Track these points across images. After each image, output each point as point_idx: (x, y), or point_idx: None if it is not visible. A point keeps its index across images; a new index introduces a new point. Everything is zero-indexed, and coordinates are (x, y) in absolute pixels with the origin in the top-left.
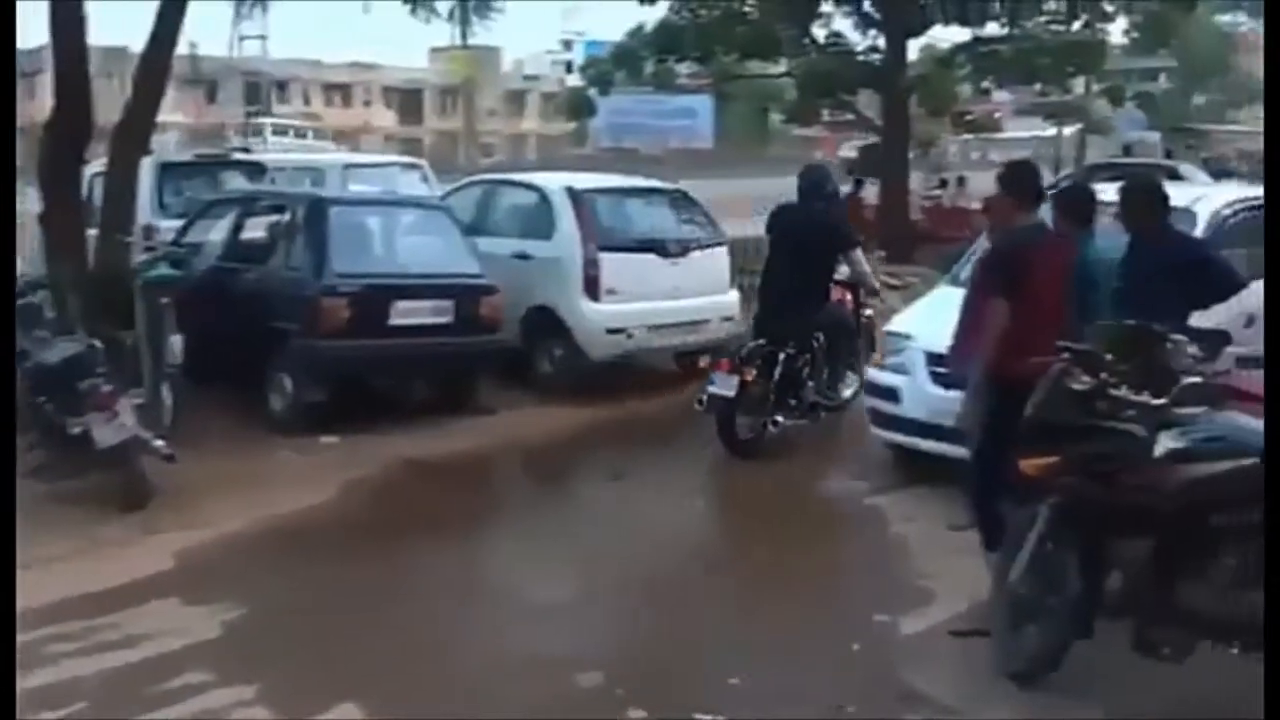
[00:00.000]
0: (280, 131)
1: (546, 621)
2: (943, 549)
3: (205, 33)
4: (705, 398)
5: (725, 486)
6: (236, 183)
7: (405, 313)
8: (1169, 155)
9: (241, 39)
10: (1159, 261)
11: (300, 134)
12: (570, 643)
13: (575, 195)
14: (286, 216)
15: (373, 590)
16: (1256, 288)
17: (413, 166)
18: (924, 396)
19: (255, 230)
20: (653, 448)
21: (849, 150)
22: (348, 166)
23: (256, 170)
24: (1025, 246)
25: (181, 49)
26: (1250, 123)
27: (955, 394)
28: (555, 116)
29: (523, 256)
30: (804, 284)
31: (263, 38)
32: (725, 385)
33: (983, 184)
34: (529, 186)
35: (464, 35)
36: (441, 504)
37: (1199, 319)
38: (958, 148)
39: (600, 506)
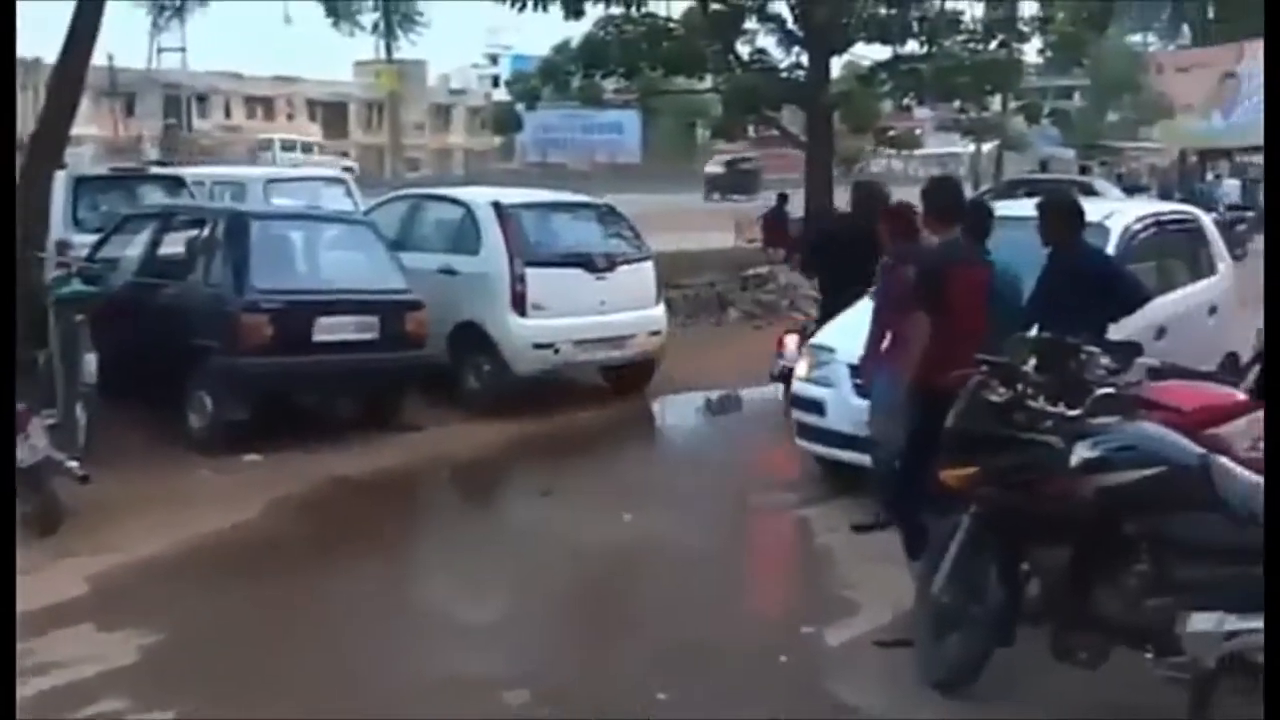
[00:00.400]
0: (289, 147)
1: (473, 640)
2: (868, 559)
3: (123, 44)
4: (777, 370)
5: (653, 500)
6: (154, 197)
7: (329, 329)
8: (1084, 171)
9: (160, 51)
10: (1074, 275)
11: (307, 149)
12: (497, 661)
13: (501, 210)
14: (206, 231)
15: (295, 612)
16: (1163, 301)
17: (337, 181)
18: (848, 409)
19: (174, 245)
20: (580, 462)
21: (715, 166)
22: (270, 181)
23: (175, 184)
24: (946, 262)
25: (98, 60)
26: (1161, 139)
27: None
28: (482, 131)
29: (449, 272)
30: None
31: (182, 50)
32: (794, 358)
33: (906, 199)
34: (455, 201)
35: (388, 49)
36: (367, 522)
37: (1113, 331)
38: (882, 163)
39: (528, 522)
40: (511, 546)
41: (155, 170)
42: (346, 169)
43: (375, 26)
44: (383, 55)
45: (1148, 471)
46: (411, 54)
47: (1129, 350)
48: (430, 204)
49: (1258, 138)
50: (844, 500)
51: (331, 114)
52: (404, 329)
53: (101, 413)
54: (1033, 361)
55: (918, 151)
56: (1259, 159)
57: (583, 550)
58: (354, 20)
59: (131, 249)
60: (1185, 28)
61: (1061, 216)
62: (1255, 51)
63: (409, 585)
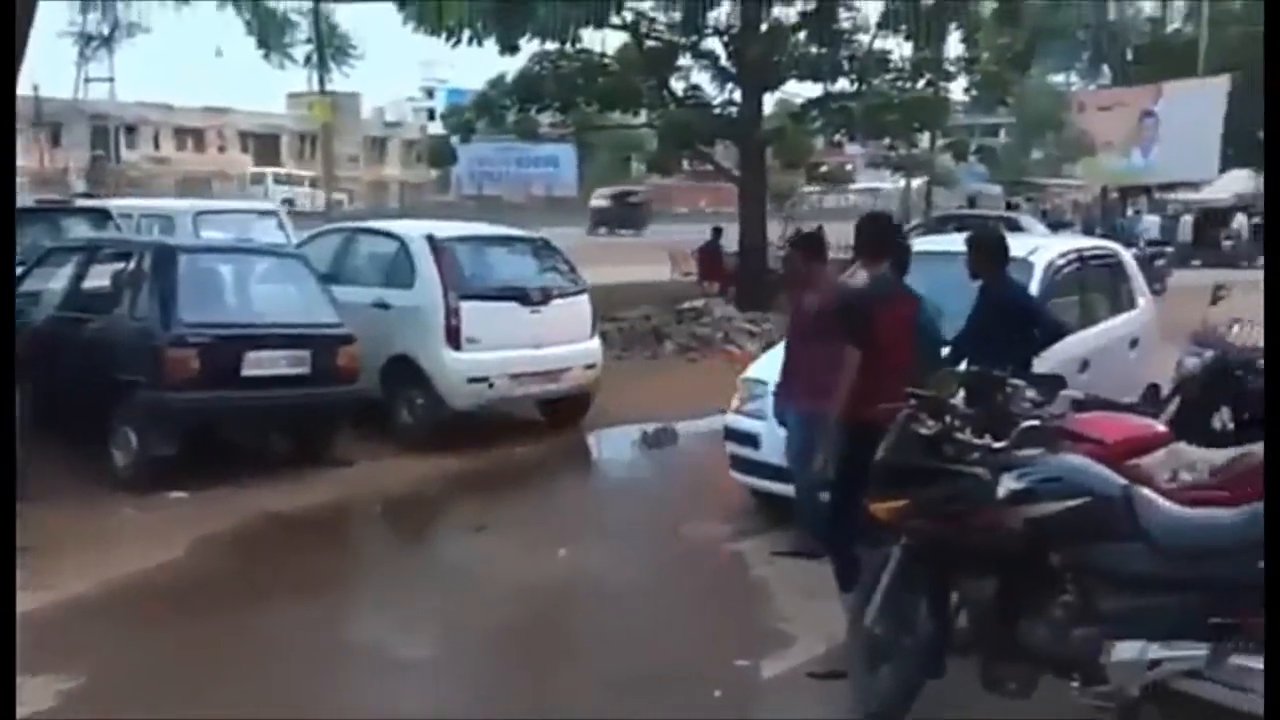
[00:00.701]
0: (282, 181)
1: (404, 679)
2: (801, 591)
3: (49, 75)
4: None
5: (588, 534)
6: (80, 230)
7: (258, 363)
8: (1010, 207)
9: (87, 81)
10: (1001, 309)
11: (297, 182)
12: (428, 700)
13: (435, 243)
14: (132, 264)
15: (222, 652)
16: (1086, 335)
17: (269, 213)
18: (780, 441)
19: (99, 278)
20: (515, 496)
21: (600, 200)
22: (200, 214)
23: (101, 217)
24: (875, 296)
25: (23, 89)
26: (1084, 176)
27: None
28: (417, 164)
29: (382, 305)
30: None
31: (110, 80)
32: None
33: (839, 234)
34: (388, 234)
35: (321, 81)
36: (296, 560)
37: (1038, 364)
38: (814, 198)
39: (461, 558)
40: (444, 582)
41: (81, 203)
42: (337, 200)
43: (308, 59)
44: (316, 87)
45: (1072, 502)
46: (346, 86)
47: (1053, 382)
48: (364, 237)
49: (1175, 174)
50: (778, 532)
51: (263, 146)
52: (336, 363)
53: (23, 450)
54: (961, 394)
55: (851, 186)
56: (1176, 195)
57: (517, 586)
58: (285, 52)
59: (55, 282)
60: (1105, 68)
61: (988, 252)
62: (1172, 92)
63: (340, 623)
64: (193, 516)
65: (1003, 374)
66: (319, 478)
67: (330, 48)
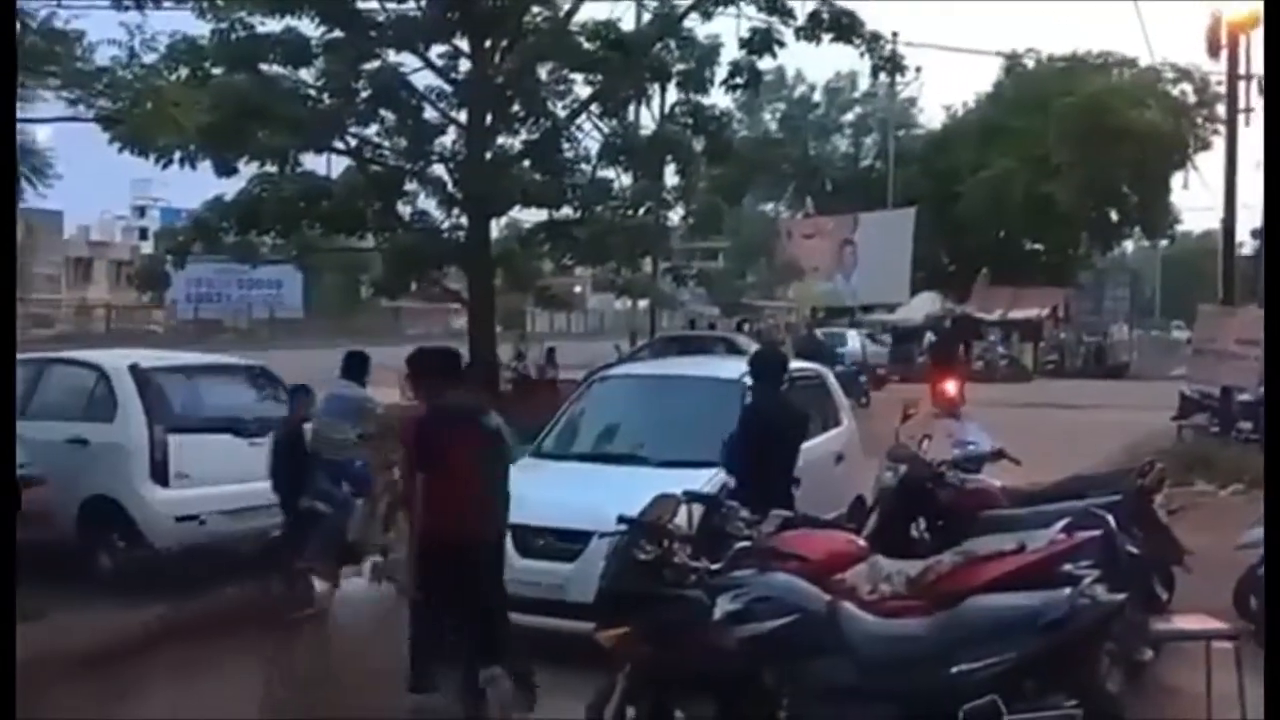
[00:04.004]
0: None
1: None
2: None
3: None
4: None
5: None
6: None
7: None
8: (712, 327)
9: None
10: (772, 418)
11: None
12: None
13: (139, 373)
14: None
15: None
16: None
17: None
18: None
19: None
20: (226, 647)
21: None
22: None
23: None
24: (437, 423)
25: None
26: (794, 299)
27: (540, 563)
28: (129, 285)
29: (79, 441)
30: None
31: None
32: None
33: (572, 354)
34: (86, 365)
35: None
36: None
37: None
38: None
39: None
40: None
41: None
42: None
43: None
44: None
45: (782, 620)
46: (45, 204)
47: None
48: (58, 368)
49: (873, 297)
50: None
51: None
52: (19, 508)
53: None
54: (680, 517)
55: (578, 309)
56: (874, 316)
57: None
58: None
59: None
60: (809, 199)
61: (769, 368)
62: (867, 222)
63: None
64: None
65: (713, 495)
66: None
67: (25, 166)
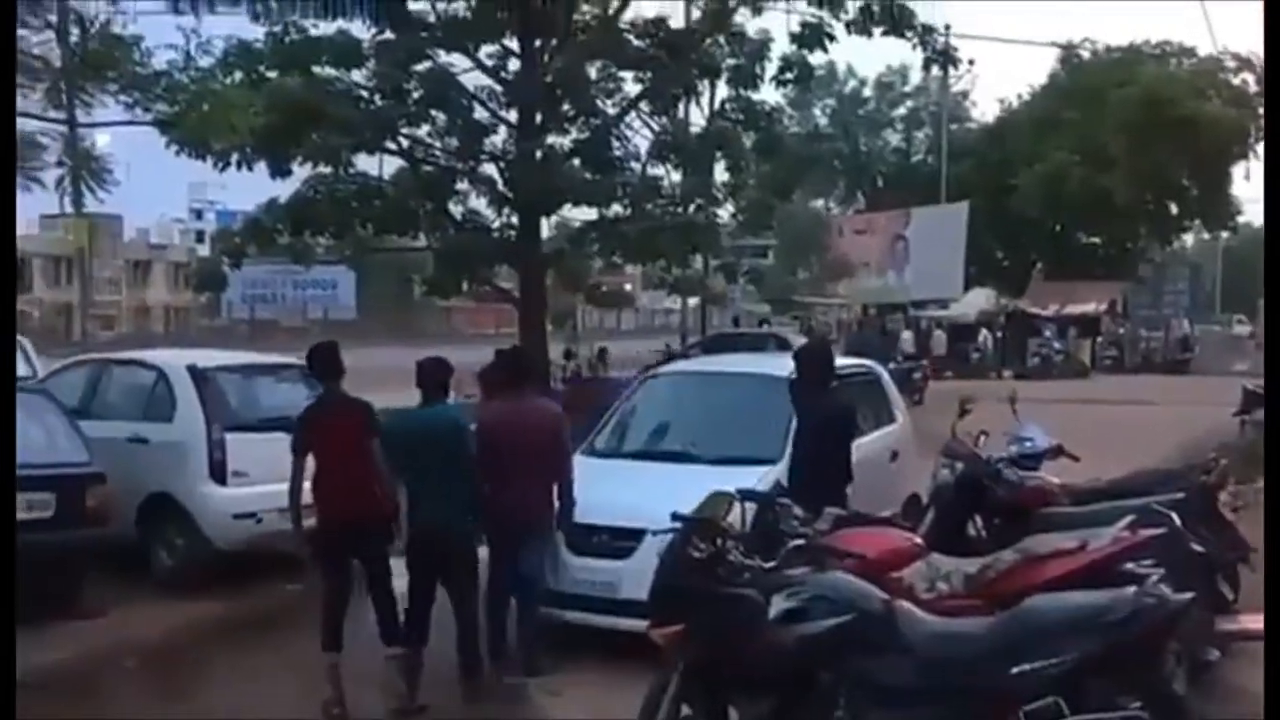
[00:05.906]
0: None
1: None
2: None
3: None
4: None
5: (359, 684)
6: None
7: None
8: (761, 324)
9: None
10: (828, 417)
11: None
12: None
13: (197, 373)
14: None
15: None
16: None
17: None
18: (561, 567)
19: None
20: (285, 643)
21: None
22: None
23: None
24: (316, 411)
25: None
26: (845, 295)
27: (593, 561)
28: (186, 287)
29: (139, 440)
30: None
31: None
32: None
33: (622, 353)
34: (146, 365)
35: (76, 204)
36: None
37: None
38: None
39: (220, 713)
40: None
41: None
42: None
43: (59, 182)
44: (70, 209)
45: (838, 620)
46: (105, 208)
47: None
48: (118, 368)
49: (926, 293)
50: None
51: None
52: (84, 504)
53: None
54: (734, 515)
55: (632, 307)
56: (928, 312)
57: None
58: (32, 176)
59: None
60: (860, 194)
61: (816, 364)
62: (919, 217)
63: None
64: None
65: (768, 493)
66: (63, 632)
67: (85, 171)
